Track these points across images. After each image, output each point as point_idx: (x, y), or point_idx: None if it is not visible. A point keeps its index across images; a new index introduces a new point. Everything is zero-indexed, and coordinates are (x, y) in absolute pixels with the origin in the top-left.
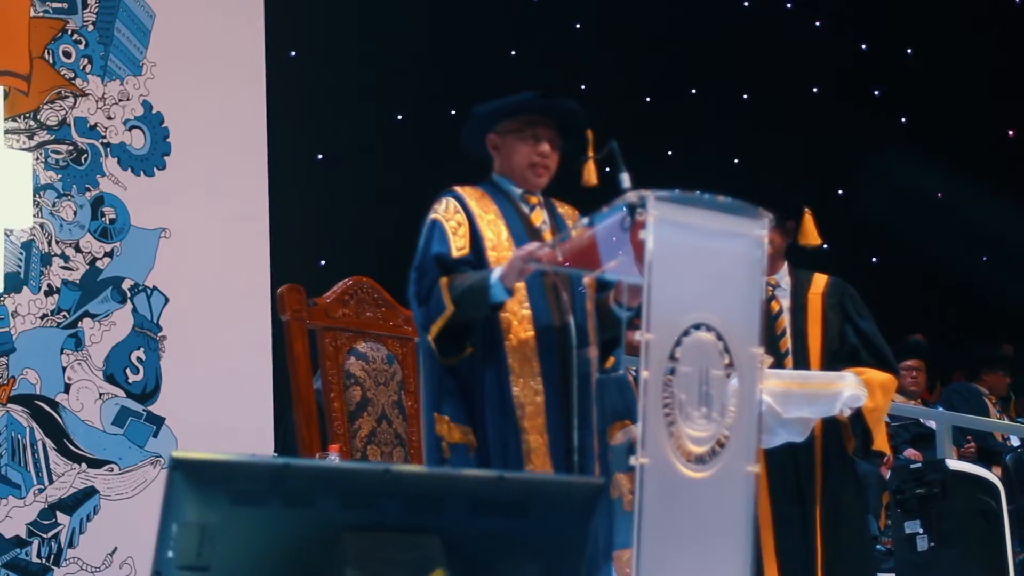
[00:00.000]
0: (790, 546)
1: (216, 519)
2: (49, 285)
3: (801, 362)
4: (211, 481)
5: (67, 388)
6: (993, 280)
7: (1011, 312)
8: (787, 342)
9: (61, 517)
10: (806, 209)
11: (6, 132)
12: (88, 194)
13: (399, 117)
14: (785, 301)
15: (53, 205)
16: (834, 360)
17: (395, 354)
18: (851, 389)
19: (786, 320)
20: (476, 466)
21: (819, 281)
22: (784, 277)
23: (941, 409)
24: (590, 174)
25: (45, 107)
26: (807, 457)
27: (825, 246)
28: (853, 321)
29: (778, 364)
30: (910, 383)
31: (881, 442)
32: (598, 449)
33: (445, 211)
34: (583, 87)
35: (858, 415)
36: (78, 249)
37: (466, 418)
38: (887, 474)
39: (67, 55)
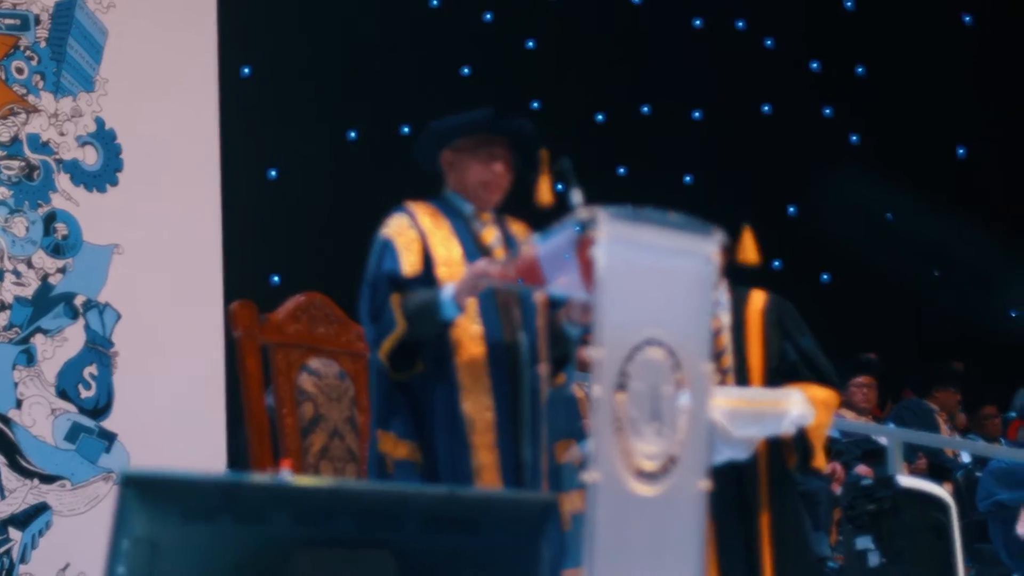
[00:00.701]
0: (734, 564)
1: (167, 535)
2: (1, 301)
3: (742, 380)
4: (162, 497)
5: (19, 404)
6: (944, 297)
7: (962, 329)
8: (728, 359)
9: (13, 533)
10: (745, 226)
11: None
12: (40, 210)
13: (352, 135)
14: (725, 318)
15: (5, 221)
16: (774, 377)
17: (347, 370)
18: (799, 407)
19: (727, 338)
20: (421, 483)
21: (757, 298)
22: (723, 294)
23: (892, 426)
24: (544, 193)
25: None
26: (751, 474)
27: (777, 263)
28: (793, 338)
29: (719, 382)
30: (861, 400)
31: (820, 459)
32: (547, 466)
33: (397, 228)
34: (535, 105)
35: (801, 432)
36: (30, 265)
37: (414, 434)
38: (838, 490)
39: (19, 71)
